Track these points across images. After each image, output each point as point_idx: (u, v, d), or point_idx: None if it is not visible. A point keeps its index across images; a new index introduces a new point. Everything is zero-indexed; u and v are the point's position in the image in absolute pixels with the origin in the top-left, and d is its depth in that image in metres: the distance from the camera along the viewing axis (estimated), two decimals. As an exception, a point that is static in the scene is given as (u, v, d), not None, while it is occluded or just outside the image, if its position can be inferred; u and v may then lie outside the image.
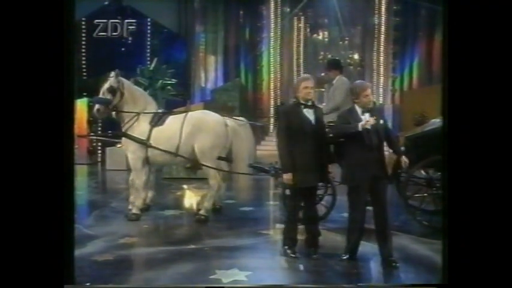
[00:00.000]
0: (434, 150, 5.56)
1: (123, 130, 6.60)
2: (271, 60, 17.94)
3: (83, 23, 13.38)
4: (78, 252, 4.19)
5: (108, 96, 6.53)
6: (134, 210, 6.56)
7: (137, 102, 6.64)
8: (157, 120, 6.57)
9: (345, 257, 4.88)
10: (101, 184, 10.96)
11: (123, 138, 6.66)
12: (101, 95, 6.59)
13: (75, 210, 3.67)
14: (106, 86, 6.54)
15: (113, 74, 6.56)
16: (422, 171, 6.33)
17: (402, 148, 6.22)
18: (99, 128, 12.68)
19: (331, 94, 6.56)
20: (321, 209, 6.33)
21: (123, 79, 6.69)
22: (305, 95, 4.94)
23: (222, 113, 6.91)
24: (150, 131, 6.48)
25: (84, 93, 12.52)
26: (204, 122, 6.50)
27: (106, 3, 14.48)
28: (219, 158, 6.64)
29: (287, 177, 4.89)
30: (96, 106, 6.61)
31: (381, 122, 4.79)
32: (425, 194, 6.18)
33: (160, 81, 12.97)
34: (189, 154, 6.47)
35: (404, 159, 4.93)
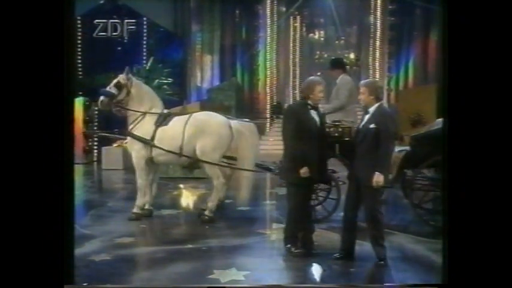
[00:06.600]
0: (440, 149, 5.57)
1: (129, 129, 6.65)
2: (268, 60, 17.93)
3: (78, 22, 13.30)
4: (75, 252, 4.16)
5: (113, 91, 6.62)
6: (134, 210, 6.58)
7: (143, 102, 6.68)
8: (162, 120, 6.60)
9: (338, 256, 4.89)
10: (97, 184, 10.92)
11: (128, 138, 6.71)
12: (107, 89, 6.69)
13: (74, 210, 3.65)
14: (114, 80, 6.67)
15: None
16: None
17: (408, 148, 6.23)
18: (95, 127, 12.67)
19: (335, 93, 6.57)
20: (324, 210, 6.36)
21: (134, 78, 6.83)
22: (318, 99, 5.03)
23: (226, 115, 6.94)
24: (155, 131, 6.51)
25: (80, 93, 12.51)
26: (207, 123, 6.49)
27: (101, 1, 14.42)
28: (227, 157, 6.65)
29: (303, 171, 4.86)
30: (101, 97, 6.69)
31: (371, 126, 4.69)
32: (431, 193, 6.18)
33: (157, 80, 12.90)
34: (192, 155, 6.49)
35: (376, 177, 4.60)
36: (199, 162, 6.58)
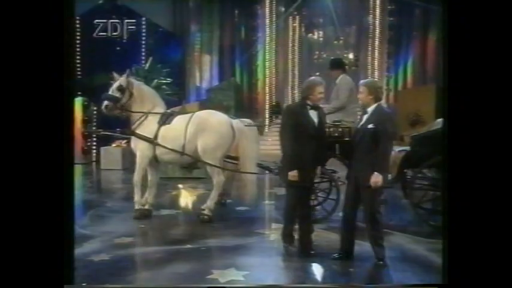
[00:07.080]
0: (440, 149, 5.57)
1: (132, 128, 6.69)
2: (266, 60, 17.96)
3: (78, 22, 13.29)
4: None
5: (117, 94, 6.66)
6: (136, 207, 6.65)
7: (145, 102, 6.73)
8: (165, 119, 6.64)
9: (338, 256, 4.90)
10: (96, 184, 10.92)
11: (132, 137, 6.75)
12: (110, 92, 6.72)
13: (74, 210, 3.64)
14: (116, 84, 6.69)
15: (120, 74, 6.72)
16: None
17: (408, 148, 6.24)
18: (94, 127, 12.67)
19: (335, 93, 6.58)
20: (323, 210, 6.36)
21: (133, 79, 6.89)
22: (318, 100, 5.00)
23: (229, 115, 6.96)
24: (158, 129, 6.56)
25: (79, 93, 12.52)
26: (208, 122, 6.51)
27: (100, 1, 14.41)
28: (229, 158, 6.65)
29: (292, 174, 4.88)
30: (105, 102, 6.72)
31: (370, 126, 4.67)
32: (431, 193, 6.18)
33: (156, 80, 12.91)
34: (194, 153, 6.51)
35: (374, 178, 4.58)
36: (201, 162, 6.60)
